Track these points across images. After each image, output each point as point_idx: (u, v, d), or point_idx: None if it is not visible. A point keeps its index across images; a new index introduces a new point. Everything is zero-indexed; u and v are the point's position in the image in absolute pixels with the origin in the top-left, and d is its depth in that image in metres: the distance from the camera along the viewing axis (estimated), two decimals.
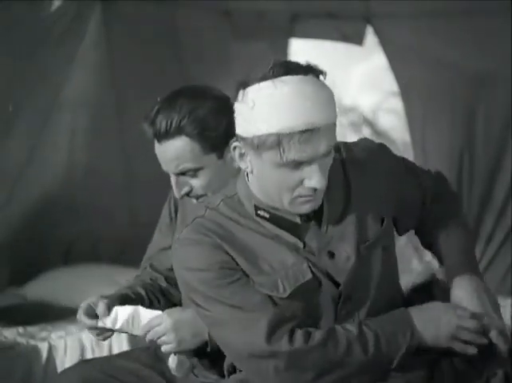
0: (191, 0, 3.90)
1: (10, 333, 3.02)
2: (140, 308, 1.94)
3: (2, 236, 3.54)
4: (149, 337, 1.90)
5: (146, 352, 2.03)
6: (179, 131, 1.95)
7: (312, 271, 1.66)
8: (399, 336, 1.61)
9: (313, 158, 1.58)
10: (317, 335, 1.60)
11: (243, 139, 1.63)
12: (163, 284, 2.15)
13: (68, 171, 3.88)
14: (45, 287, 3.53)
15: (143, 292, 2.10)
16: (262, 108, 1.58)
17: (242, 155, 1.67)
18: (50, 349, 2.97)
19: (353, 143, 1.81)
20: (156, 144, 2.00)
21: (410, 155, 4.06)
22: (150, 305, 2.09)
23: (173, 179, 2.01)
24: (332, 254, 1.68)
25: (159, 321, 1.89)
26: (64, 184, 3.84)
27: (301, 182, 1.61)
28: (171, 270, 2.14)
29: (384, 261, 1.71)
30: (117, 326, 1.93)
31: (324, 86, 1.60)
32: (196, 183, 2.00)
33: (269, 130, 1.57)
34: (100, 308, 1.96)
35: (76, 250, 3.95)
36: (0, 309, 3.28)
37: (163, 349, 1.90)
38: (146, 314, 1.93)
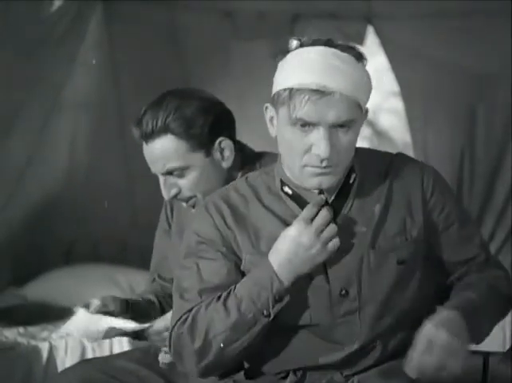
0: (192, 0, 3.90)
1: (11, 334, 3.02)
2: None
3: (3, 237, 3.54)
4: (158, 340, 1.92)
5: (146, 352, 2.03)
6: (164, 129, 1.95)
7: None
8: (260, 291, 1.61)
9: (320, 122, 1.59)
10: (186, 321, 1.66)
11: (272, 99, 1.66)
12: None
13: (68, 171, 3.89)
14: (45, 287, 3.53)
15: (154, 298, 2.13)
16: (287, 67, 1.64)
17: (271, 119, 1.68)
18: (51, 349, 2.97)
19: (435, 174, 1.77)
20: (144, 146, 2.00)
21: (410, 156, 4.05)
22: (161, 310, 2.11)
23: (161, 180, 2.01)
24: (347, 249, 1.67)
25: (163, 324, 1.89)
26: (64, 185, 3.85)
27: (310, 148, 1.61)
28: None
29: (398, 274, 1.68)
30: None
31: (354, 64, 1.61)
32: (184, 183, 2.00)
33: (285, 85, 1.61)
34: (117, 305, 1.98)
35: (77, 250, 3.95)
36: (1, 309, 3.28)
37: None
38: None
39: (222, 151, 2.01)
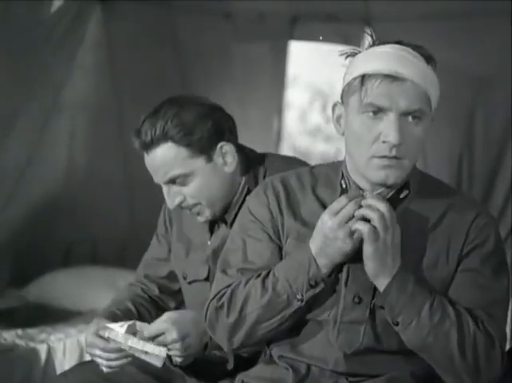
0: (191, 1, 3.89)
1: (10, 335, 3.02)
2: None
3: (2, 238, 3.53)
4: (155, 344, 1.90)
5: None
6: (164, 137, 1.94)
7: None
8: (298, 273, 1.63)
9: (391, 107, 1.59)
10: (225, 295, 1.69)
11: (341, 94, 1.67)
12: (156, 292, 2.16)
13: (68, 172, 3.88)
14: (44, 289, 3.53)
15: (131, 306, 2.10)
16: (358, 60, 1.65)
17: (338, 119, 1.68)
18: (49, 351, 2.97)
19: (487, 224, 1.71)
20: (145, 156, 1.99)
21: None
22: (139, 318, 2.09)
23: (165, 189, 2.00)
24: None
25: (163, 327, 1.88)
26: (64, 186, 3.84)
27: (379, 137, 1.60)
28: (164, 278, 2.15)
29: None
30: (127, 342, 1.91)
31: (424, 62, 1.64)
32: (187, 191, 1.98)
33: (357, 73, 1.63)
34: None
35: (76, 252, 3.95)
36: None
37: (171, 353, 1.90)
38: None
39: (223, 156, 1.99)
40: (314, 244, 1.63)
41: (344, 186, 1.70)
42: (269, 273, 1.67)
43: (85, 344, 1.98)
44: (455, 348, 1.60)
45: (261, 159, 2.08)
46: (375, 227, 1.58)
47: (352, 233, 1.60)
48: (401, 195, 1.69)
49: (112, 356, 1.92)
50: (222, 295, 1.70)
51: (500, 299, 1.69)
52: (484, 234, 1.69)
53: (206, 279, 2.04)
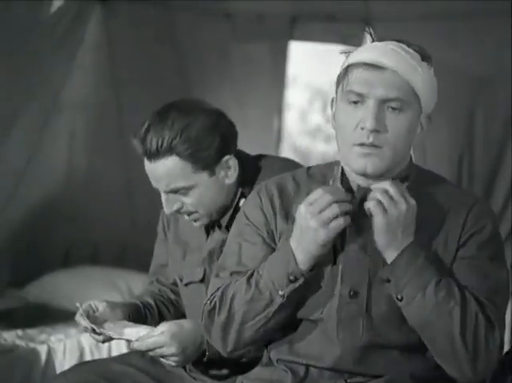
0: (191, 1, 3.89)
1: (10, 336, 3.02)
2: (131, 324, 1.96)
3: (3, 238, 3.53)
4: (151, 354, 1.91)
5: (142, 356, 2.03)
6: (170, 150, 1.92)
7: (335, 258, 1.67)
8: (278, 270, 1.64)
9: (369, 94, 1.61)
10: (216, 295, 1.71)
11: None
12: (172, 295, 2.16)
13: (68, 173, 3.88)
14: (44, 290, 3.53)
15: (151, 301, 2.11)
16: (352, 54, 1.68)
17: (333, 115, 1.70)
18: (49, 351, 2.97)
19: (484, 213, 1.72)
20: (147, 162, 1.97)
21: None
22: (159, 314, 2.10)
23: (163, 196, 1.99)
24: (365, 250, 1.67)
25: (161, 341, 1.89)
26: (64, 187, 3.84)
27: (359, 124, 1.62)
28: (174, 284, 2.15)
29: None
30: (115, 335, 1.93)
31: (418, 59, 1.66)
32: (187, 200, 1.98)
33: (344, 65, 1.67)
34: (101, 308, 1.97)
35: (76, 252, 3.94)
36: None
37: (168, 362, 1.91)
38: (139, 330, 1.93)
39: (226, 169, 1.99)
40: (293, 238, 1.65)
41: (341, 182, 1.70)
42: (254, 271, 1.69)
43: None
44: (457, 328, 1.60)
45: (257, 163, 2.07)
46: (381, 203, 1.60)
47: (326, 223, 1.60)
48: None
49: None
50: (214, 297, 1.72)
51: (500, 287, 1.69)
52: (481, 223, 1.69)
53: (202, 281, 2.04)
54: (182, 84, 3.88)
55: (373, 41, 1.71)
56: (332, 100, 1.72)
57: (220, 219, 2.03)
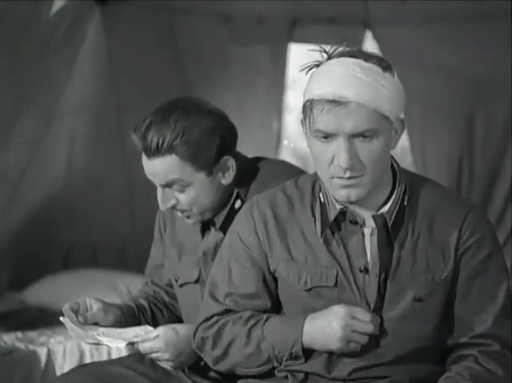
0: (191, 4, 3.90)
1: (9, 338, 3.01)
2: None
3: (2, 241, 3.53)
4: (149, 357, 1.92)
5: (141, 359, 2.03)
6: (170, 150, 1.92)
7: (336, 280, 1.67)
8: (283, 343, 1.66)
9: (339, 132, 1.59)
10: (212, 328, 1.73)
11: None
12: (166, 298, 2.16)
13: (68, 176, 3.89)
14: (44, 292, 3.53)
15: (146, 304, 2.11)
16: (311, 80, 1.65)
17: (306, 133, 1.68)
18: (49, 354, 2.96)
19: (480, 221, 1.72)
20: (145, 158, 1.97)
21: (409, 160, 4.06)
22: (152, 316, 2.10)
23: (159, 191, 1.99)
24: (366, 271, 1.67)
25: (157, 346, 1.90)
26: (64, 189, 3.84)
27: (333, 159, 1.61)
28: (169, 285, 2.15)
29: (413, 310, 1.66)
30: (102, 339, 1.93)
31: (378, 74, 1.61)
32: (182, 197, 1.98)
33: (307, 97, 1.63)
34: (95, 309, 1.97)
35: (76, 254, 3.94)
36: None
37: (164, 366, 1.93)
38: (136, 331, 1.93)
39: (224, 170, 1.99)
40: (311, 320, 1.66)
41: (322, 200, 1.70)
42: (257, 323, 1.70)
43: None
44: None
45: (254, 165, 2.07)
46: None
47: (349, 340, 1.63)
48: (405, 203, 1.69)
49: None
50: (209, 327, 1.74)
51: (504, 301, 1.69)
52: (478, 234, 1.69)
53: (197, 281, 2.04)
54: (182, 87, 3.88)
55: (329, 56, 1.65)
56: (301, 121, 1.68)
57: (214, 218, 2.03)
